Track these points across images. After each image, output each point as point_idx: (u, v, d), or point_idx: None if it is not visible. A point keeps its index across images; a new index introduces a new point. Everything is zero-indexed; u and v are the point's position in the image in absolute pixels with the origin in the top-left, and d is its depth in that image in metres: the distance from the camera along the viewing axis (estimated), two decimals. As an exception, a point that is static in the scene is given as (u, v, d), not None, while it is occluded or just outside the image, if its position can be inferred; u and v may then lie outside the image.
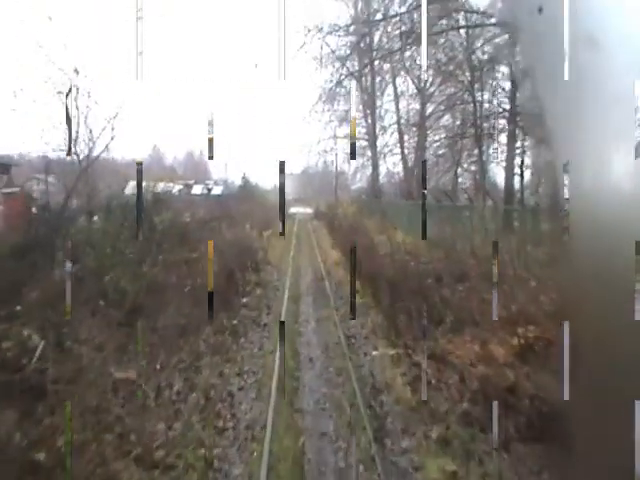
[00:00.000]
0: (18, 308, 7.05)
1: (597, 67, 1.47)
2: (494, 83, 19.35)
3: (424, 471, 4.63)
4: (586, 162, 1.50)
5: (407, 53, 21.85)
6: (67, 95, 9.12)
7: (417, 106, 26.21)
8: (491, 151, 19.91)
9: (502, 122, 19.45)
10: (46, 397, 5.28)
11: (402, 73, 26.98)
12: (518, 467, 4.58)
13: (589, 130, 1.49)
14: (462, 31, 17.02)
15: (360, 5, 22.40)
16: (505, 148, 19.73)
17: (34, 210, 8.87)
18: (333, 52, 19.18)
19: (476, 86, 19.11)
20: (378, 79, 29.06)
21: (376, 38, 18.56)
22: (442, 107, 23.57)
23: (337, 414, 5.61)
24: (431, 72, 24.29)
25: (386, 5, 16.98)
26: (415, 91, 26.23)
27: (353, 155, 15.58)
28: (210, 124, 4.87)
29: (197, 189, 35.81)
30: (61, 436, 4.58)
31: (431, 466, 4.68)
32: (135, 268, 9.37)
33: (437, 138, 23.89)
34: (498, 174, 20.25)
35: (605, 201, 1.43)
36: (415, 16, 14.62)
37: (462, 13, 14.75)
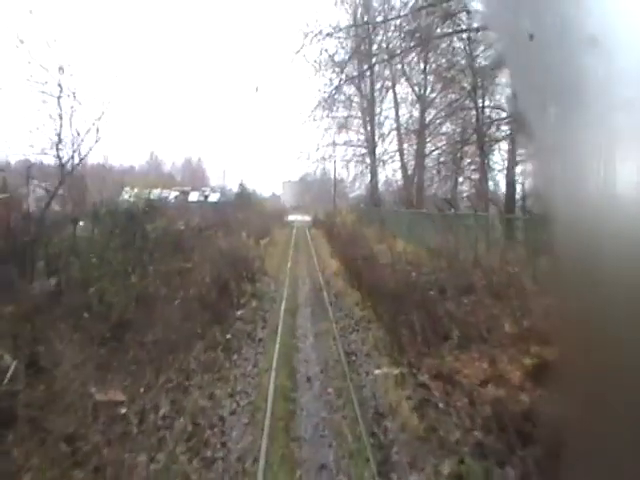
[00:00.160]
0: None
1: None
2: (496, 89, 19.01)
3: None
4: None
5: (407, 59, 21.57)
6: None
7: (417, 113, 25.89)
8: (495, 158, 19.51)
9: (504, 128, 19.09)
10: (16, 424, 4.78)
11: (402, 80, 26.74)
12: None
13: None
14: (464, 35, 16.65)
15: (360, 10, 22.11)
16: (506, 155, 19.40)
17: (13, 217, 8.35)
18: (331, 57, 18.81)
19: (479, 92, 18.74)
20: (378, 85, 28.79)
21: (376, 43, 18.12)
22: (443, 113, 23.23)
23: (337, 443, 5.11)
24: (432, 78, 24.06)
25: (386, 9, 16.63)
26: (415, 97, 25.91)
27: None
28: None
29: (194, 196, 35.52)
30: (28, 473, 4.08)
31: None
32: (123, 279, 8.89)
33: (438, 145, 23.48)
34: (500, 182, 19.90)
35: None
36: (417, 19, 14.23)
37: (464, 14, 14.36)
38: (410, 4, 13.83)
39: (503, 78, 17.72)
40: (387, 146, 29.56)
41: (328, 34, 14.54)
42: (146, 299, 8.87)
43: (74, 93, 9.05)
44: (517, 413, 5.30)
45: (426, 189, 25.56)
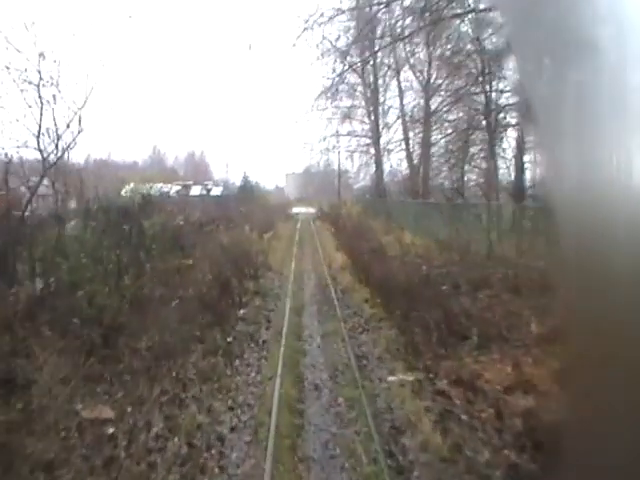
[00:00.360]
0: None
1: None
2: (506, 73, 18.30)
3: None
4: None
5: (412, 44, 20.86)
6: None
7: (422, 101, 25.18)
8: (504, 145, 18.85)
9: (514, 114, 18.42)
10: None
11: (406, 68, 26.03)
12: None
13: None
14: (471, 16, 15.91)
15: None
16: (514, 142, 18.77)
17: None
18: (334, 46, 18.10)
19: (487, 77, 18.04)
20: (381, 73, 28.11)
21: (379, 28, 17.39)
22: (449, 100, 22.54)
23: (350, 465, 4.53)
24: (436, 65, 23.33)
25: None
26: (420, 85, 25.20)
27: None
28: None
29: (196, 190, 34.87)
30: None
31: None
32: (117, 279, 8.32)
33: (445, 133, 22.78)
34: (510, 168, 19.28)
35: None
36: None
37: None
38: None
39: (512, 62, 17.03)
40: (392, 135, 28.85)
41: (330, 17, 13.85)
42: (141, 300, 8.32)
43: (57, 81, 8.41)
44: (552, 427, 4.73)
45: (432, 179, 24.89)
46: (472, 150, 20.90)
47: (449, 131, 22.69)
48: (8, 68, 8.28)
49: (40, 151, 8.21)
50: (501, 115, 18.60)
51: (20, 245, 7.04)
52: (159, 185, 24.90)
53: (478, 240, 13.78)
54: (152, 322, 7.59)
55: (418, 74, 24.99)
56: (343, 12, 14.04)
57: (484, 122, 18.93)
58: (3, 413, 4.60)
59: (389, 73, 27.89)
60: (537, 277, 8.96)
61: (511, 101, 18.20)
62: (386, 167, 30.82)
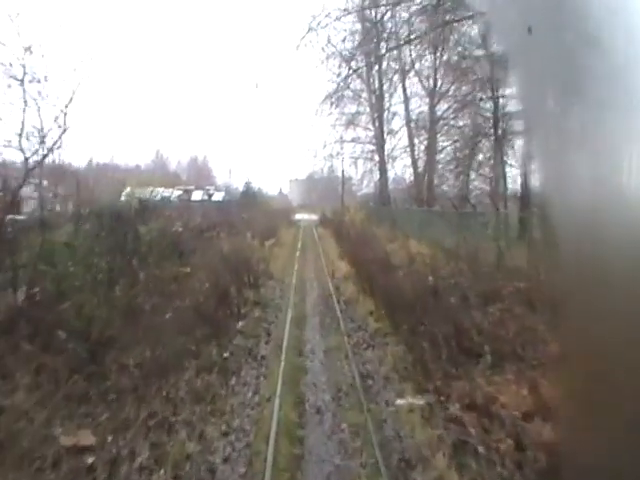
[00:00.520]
0: None
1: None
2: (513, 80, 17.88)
3: None
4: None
5: (414, 53, 20.50)
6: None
7: (427, 108, 24.80)
8: (511, 152, 18.43)
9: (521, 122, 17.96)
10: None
11: (411, 74, 25.68)
12: None
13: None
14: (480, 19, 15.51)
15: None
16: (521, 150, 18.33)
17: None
18: (339, 51, 17.72)
19: (495, 83, 17.63)
20: (387, 78, 27.77)
21: (385, 31, 17.00)
22: (455, 106, 22.14)
23: (356, 504, 4.06)
24: (442, 71, 22.94)
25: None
26: (425, 91, 24.83)
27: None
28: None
29: (197, 195, 34.45)
30: None
31: None
32: (108, 288, 7.87)
33: (452, 140, 22.37)
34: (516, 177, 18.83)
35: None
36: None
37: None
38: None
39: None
40: (397, 142, 28.47)
41: (337, 18, 13.46)
42: (134, 311, 7.84)
43: (45, 77, 7.95)
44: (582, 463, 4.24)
45: (438, 186, 24.47)
46: (478, 158, 20.49)
47: (455, 138, 22.29)
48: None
49: (22, 151, 7.76)
50: (509, 122, 18.18)
51: (0, 251, 6.59)
52: (160, 189, 24.48)
53: (486, 249, 13.28)
54: (144, 335, 7.12)
55: (424, 80, 24.64)
56: (350, 13, 13.65)
57: (492, 129, 18.51)
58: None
59: (395, 79, 27.54)
60: (552, 290, 8.47)
61: (520, 108, 17.79)
62: (390, 174, 30.43)
